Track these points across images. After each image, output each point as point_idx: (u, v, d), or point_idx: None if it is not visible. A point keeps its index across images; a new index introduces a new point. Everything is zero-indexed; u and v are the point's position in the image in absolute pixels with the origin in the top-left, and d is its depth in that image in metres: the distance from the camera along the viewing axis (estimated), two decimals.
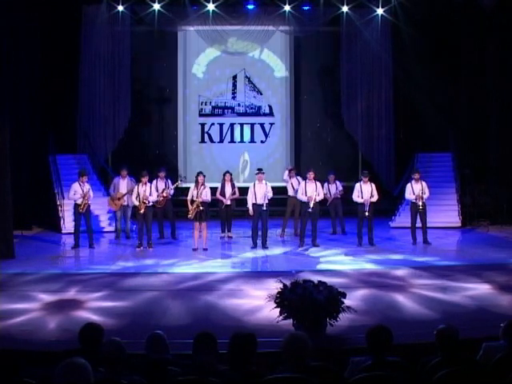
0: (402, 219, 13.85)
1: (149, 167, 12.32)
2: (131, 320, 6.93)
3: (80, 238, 11.53)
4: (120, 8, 15.16)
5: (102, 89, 15.65)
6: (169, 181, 12.45)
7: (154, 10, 15.00)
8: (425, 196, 11.78)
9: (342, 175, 14.70)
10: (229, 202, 12.49)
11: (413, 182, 11.95)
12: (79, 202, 11.37)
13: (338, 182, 13.14)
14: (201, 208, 11.06)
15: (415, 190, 11.80)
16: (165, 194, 12.17)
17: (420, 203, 11.70)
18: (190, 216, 11.25)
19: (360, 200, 11.45)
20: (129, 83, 15.94)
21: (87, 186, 11.52)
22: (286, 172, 13.09)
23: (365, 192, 11.47)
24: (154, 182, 12.21)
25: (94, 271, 9.62)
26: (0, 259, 9.89)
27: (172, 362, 4.16)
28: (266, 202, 11.35)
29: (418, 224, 11.91)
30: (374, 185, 11.68)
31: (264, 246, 11.45)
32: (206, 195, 11.19)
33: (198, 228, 11.33)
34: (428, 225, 12.01)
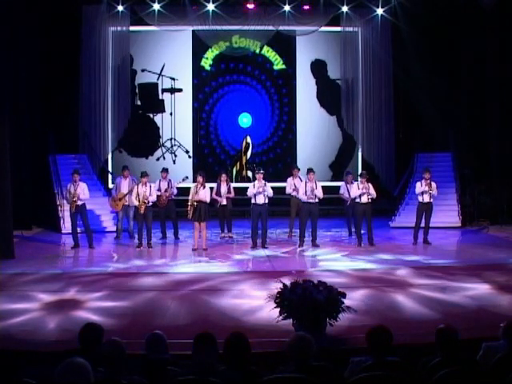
0: (402, 219, 13.87)
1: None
2: (131, 320, 6.92)
3: (78, 237, 11.53)
4: (120, 8, 15.20)
5: (102, 89, 15.69)
6: (171, 181, 12.52)
7: (154, 10, 15.03)
8: (433, 192, 11.70)
9: (341, 175, 15.00)
10: (224, 202, 12.50)
11: (423, 181, 11.81)
12: (68, 201, 11.40)
13: (355, 182, 13.12)
14: (195, 205, 11.08)
15: (424, 188, 11.72)
16: (167, 194, 12.26)
17: (427, 197, 11.67)
18: (189, 216, 11.27)
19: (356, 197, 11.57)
20: (129, 83, 15.98)
21: (80, 185, 11.46)
22: (290, 181, 12.72)
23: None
24: (157, 181, 12.45)
25: (94, 271, 9.62)
26: (0, 259, 9.90)
27: (171, 361, 4.15)
28: (266, 201, 11.41)
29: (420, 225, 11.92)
30: (370, 184, 11.70)
31: (264, 246, 11.46)
32: (204, 195, 11.18)
33: (198, 228, 11.35)
34: (420, 223, 11.96)
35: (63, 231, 13.18)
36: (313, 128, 16.96)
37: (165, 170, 12.68)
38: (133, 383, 3.62)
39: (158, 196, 12.19)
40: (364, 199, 11.51)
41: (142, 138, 16.24)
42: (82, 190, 11.41)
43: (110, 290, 8.33)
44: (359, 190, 11.52)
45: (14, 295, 7.94)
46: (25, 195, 13.51)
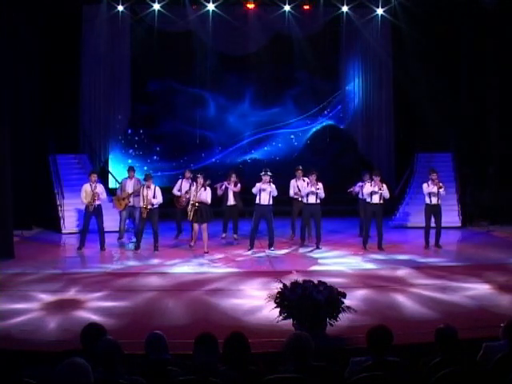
0: (403, 219, 13.86)
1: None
2: (131, 320, 6.93)
3: (86, 238, 11.47)
4: (120, 8, 15.18)
5: (102, 88, 15.69)
6: (194, 183, 12.46)
7: (154, 10, 15.03)
8: (441, 191, 11.38)
9: (341, 175, 15.11)
10: (233, 202, 12.30)
11: (429, 182, 11.53)
12: (86, 201, 11.36)
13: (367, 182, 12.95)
14: (196, 206, 11.05)
15: (431, 188, 11.50)
16: (188, 196, 12.14)
17: (435, 199, 11.48)
18: (189, 217, 11.23)
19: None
20: (129, 83, 16.00)
21: (97, 186, 11.46)
22: (294, 184, 12.63)
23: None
24: (179, 181, 12.41)
25: (94, 271, 9.62)
26: (0, 259, 9.89)
27: (171, 362, 4.15)
28: (271, 202, 11.28)
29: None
30: (385, 185, 11.59)
31: (271, 248, 11.28)
32: (206, 197, 11.12)
33: (197, 230, 11.33)
34: (430, 225, 11.83)
35: (63, 231, 13.18)
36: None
37: (189, 171, 12.60)
38: (132, 383, 3.62)
39: (177, 197, 12.15)
40: (375, 199, 11.21)
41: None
42: (102, 190, 11.43)
43: (110, 290, 8.34)
44: (371, 188, 11.20)
45: (14, 295, 7.95)
46: (25, 195, 13.49)
